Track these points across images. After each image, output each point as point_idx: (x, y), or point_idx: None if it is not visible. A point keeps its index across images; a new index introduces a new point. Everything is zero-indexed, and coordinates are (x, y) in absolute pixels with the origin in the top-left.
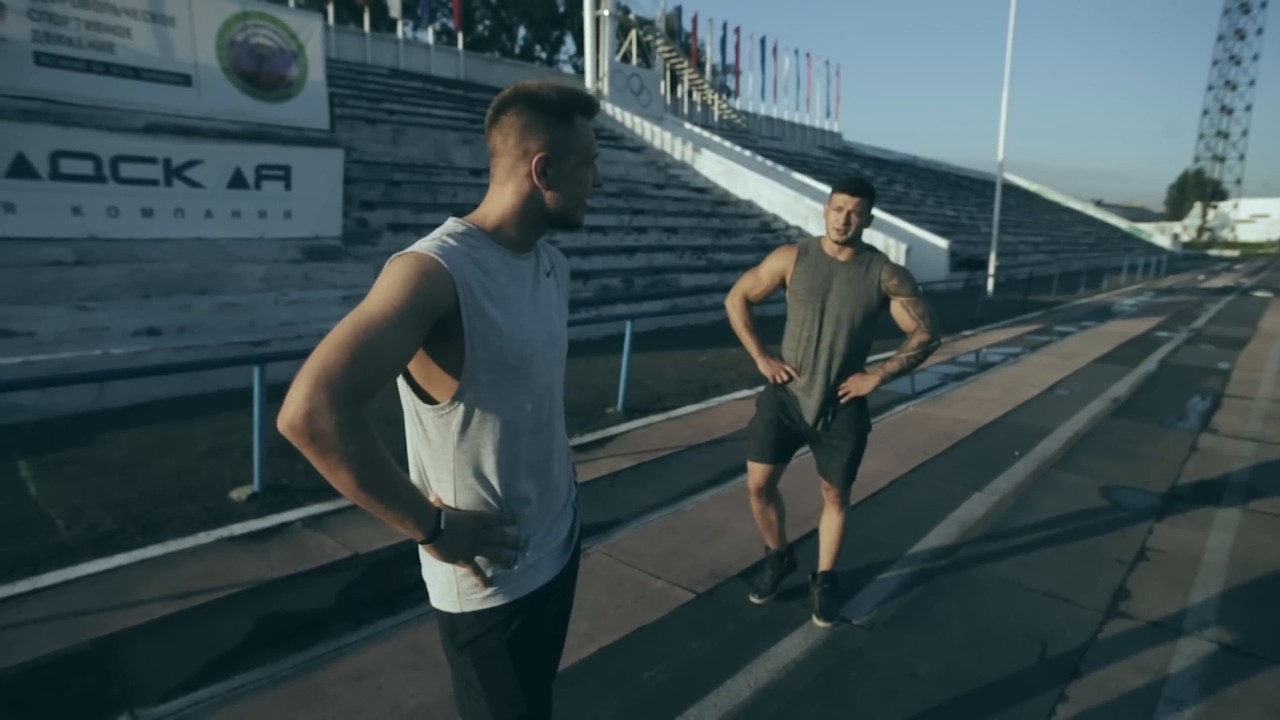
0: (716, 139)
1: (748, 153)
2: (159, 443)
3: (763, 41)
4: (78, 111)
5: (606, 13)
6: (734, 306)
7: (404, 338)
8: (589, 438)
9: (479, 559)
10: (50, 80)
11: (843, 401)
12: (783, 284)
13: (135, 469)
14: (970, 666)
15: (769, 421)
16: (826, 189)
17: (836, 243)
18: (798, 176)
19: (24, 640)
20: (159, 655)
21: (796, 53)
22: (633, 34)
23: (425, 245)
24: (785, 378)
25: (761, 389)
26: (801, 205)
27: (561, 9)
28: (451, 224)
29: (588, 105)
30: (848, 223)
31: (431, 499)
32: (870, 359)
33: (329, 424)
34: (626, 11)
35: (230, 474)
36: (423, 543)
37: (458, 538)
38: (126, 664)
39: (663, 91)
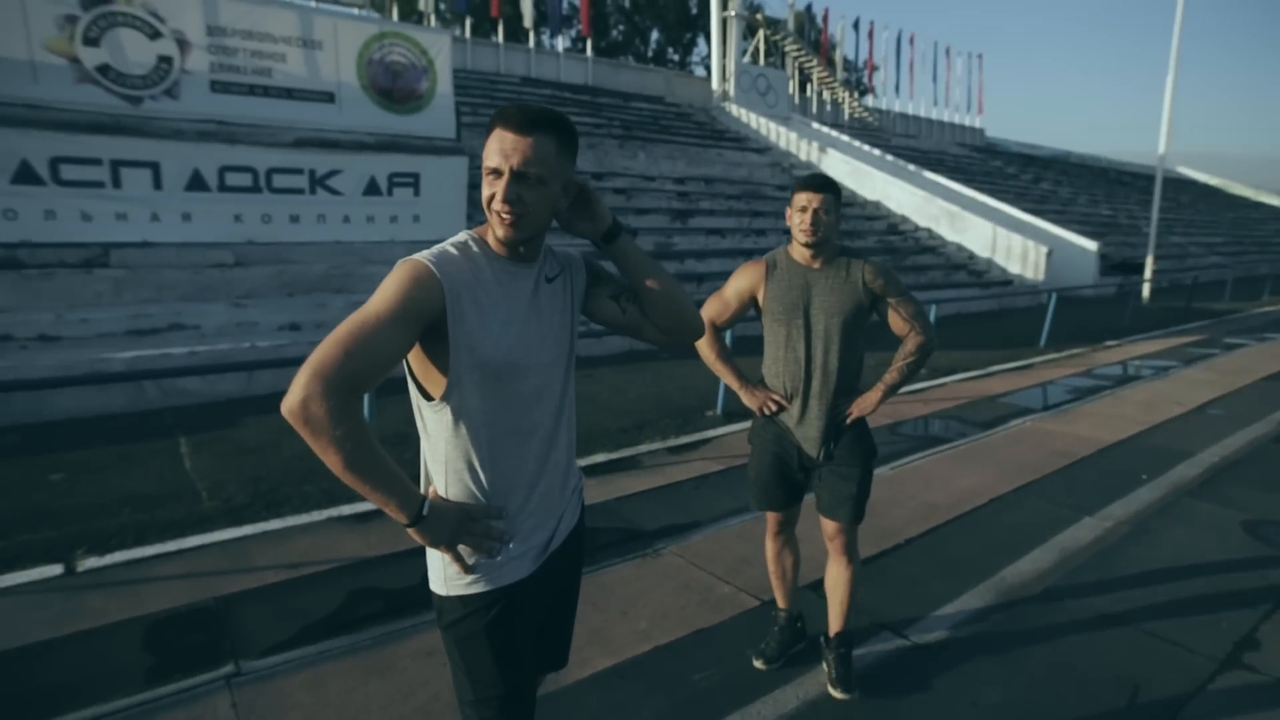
0: (844, 138)
1: (876, 152)
2: (290, 428)
3: (899, 34)
4: (240, 130)
5: (733, 13)
6: (707, 336)
7: (394, 337)
8: (684, 439)
9: (463, 547)
10: (222, 104)
11: (846, 424)
12: (753, 304)
13: (268, 451)
14: (1043, 703)
15: (767, 461)
16: (962, 189)
17: (807, 247)
18: (930, 176)
19: (163, 592)
20: (265, 616)
21: (935, 45)
22: (760, 34)
23: (427, 252)
24: (774, 408)
25: (749, 424)
26: (933, 206)
27: (694, 11)
28: (461, 233)
29: (502, 116)
30: (816, 222)
31: (431, 489)
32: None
33: (321, 410)
34: (755, 11)
35: None
36: (407, 526)
37: (441, 525)
38: (238, 621)
39: (791, 91)
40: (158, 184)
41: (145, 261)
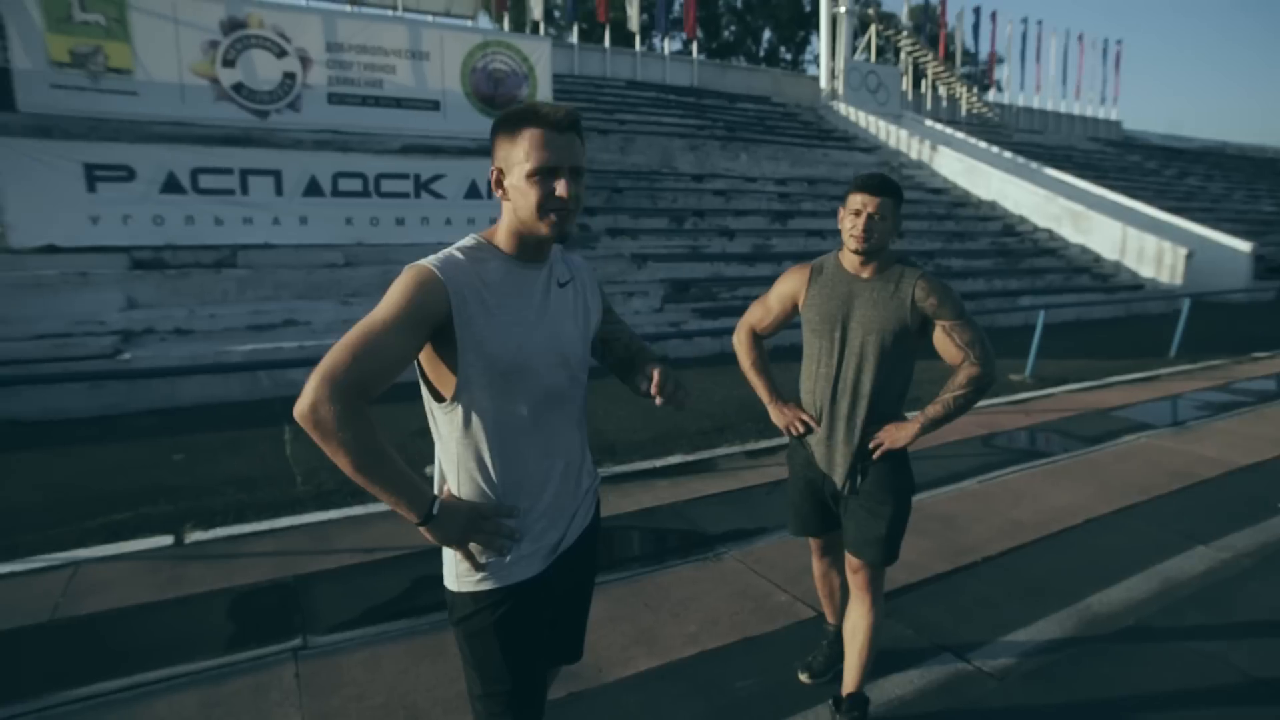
0: (959, 135)
1: (994, 149)
2: (384, 419)
3: (1024, 24)
4: (353, 139)
5: (844, 9)
6: (740, 342)
7: (401, 342)
8: (763, 444)
9: (474, 546)
10: (337, 115)
11: (874, 456)
12: (795, 311)
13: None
14: None
15: (800, 486)
16: (1089, 186)
17: (857, 254)
18: (1051, 173)
19: (252, 567)
20: (335, 596)
21: (1067, 34)
22: (872, 29)
23: (433, 258)
24: (801, 428)
25: (788, 442)
26: (1054, 205)
27: (807, 9)
28: (468, 238)
29: (540, 115)
30: (869, 229)
31: (445, 489)
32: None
33: (329, 414)
34: (867, 6)
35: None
36: (418, 525)
37: (451, 524)
38: (312, 598)
39: (904, 87)
40: (279, 190)
41: (266, 262)
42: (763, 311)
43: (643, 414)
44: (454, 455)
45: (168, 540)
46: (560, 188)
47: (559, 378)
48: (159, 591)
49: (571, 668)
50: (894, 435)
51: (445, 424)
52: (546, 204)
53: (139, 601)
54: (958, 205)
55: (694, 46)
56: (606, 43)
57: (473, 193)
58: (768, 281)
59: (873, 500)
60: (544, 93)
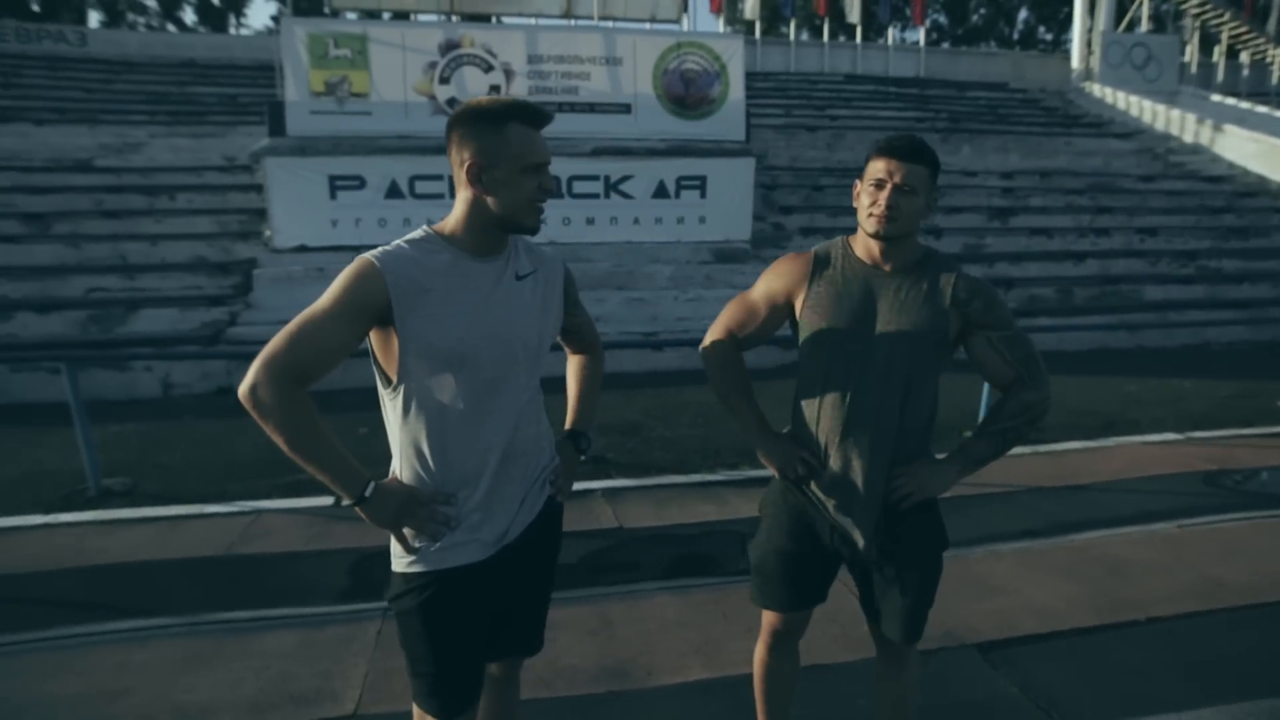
0: (1261, 110)
1: None
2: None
3: None
4: (548, 143)
5: None
6: (712, 354)
7: (338, 330)
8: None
9: (409, 530)
10: None
11: (901, 507)
12: (789, 316)
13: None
14: None
15: (779, 545)
16: None
17: (876, 238)
18: None
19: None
20: None
21: None
22: None
23: (377, 250)
24: (802, 471)
25: (768, 486)
26: None
27: None
28: (417, 230)
29: (526, 113)
30: (894, 204)
31: (391, 473)
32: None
33: (266, 395)
34: None
35: None
36: (352, 505)
37: (384, 507)
38: None
39: (1187, 57)
40: None
41: None
42: (745, 314)
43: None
44: (397, 440)
45: (328, 501)
46: (548, 181)
47: (503, 369)
48: (306, 543)
49: (621, 667)
50: (925, 481)
51: (390, 409)
52: (537, 196)
53: (289, 550)
54: (1243, 195)
55: (921, 35)
56: (825, 37)
57: (660, 192)
58: None
59: (900, 564)
60: (736, 91)
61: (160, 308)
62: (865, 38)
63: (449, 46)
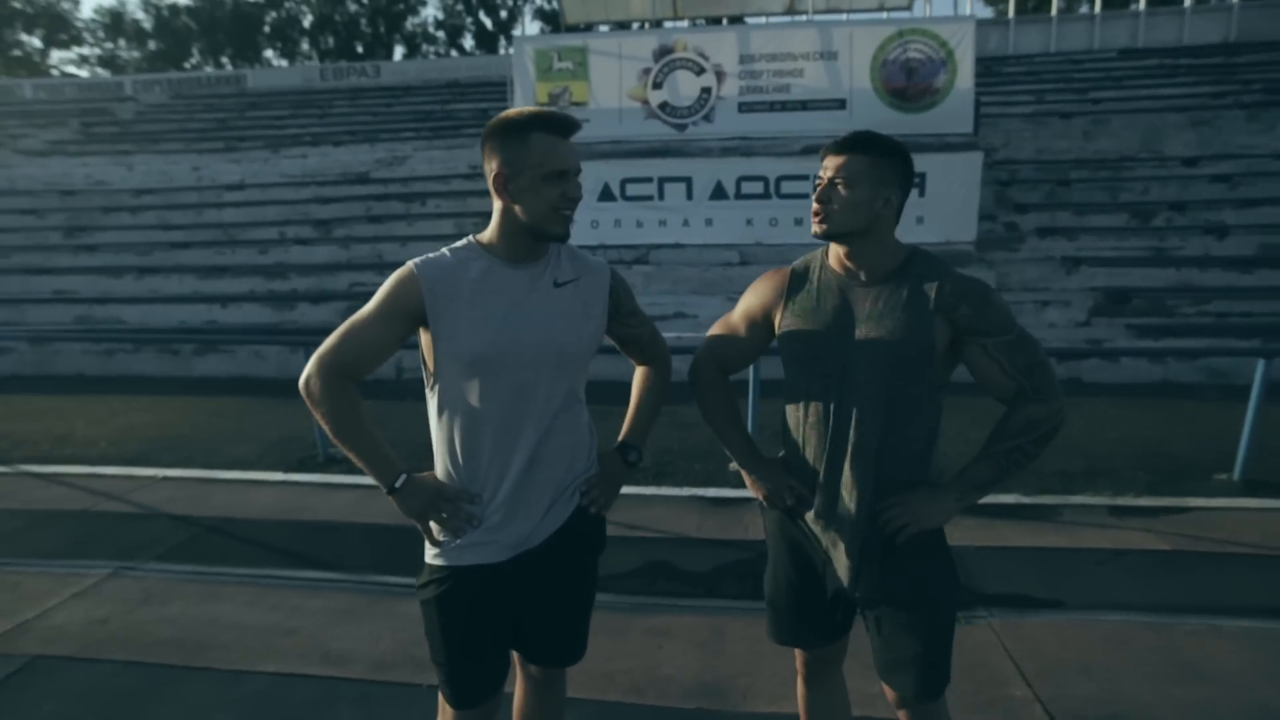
0: None
1: None
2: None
3: None
4: (757, 144)
5: None
6: (696, 377)
7: (380, 331)
8: (1144, 501)
9: (435, 523)
10: (746, 123)
11: (897, 540)
12: (771, 335)
13: (693, 429)
14: None
15: (784, 577)
16: None
17: (822, 236)
18: None
19: None
20: None
21: None
22: None
23: (420, 257)
24: (790, 501)
25: (766, 515)
26: None
27: None
28: (462, 240)
29: (550, 122)
30: (824, 201)
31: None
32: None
33: (316, 387)
34: None
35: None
36: (386, 494)
37: (413, 499)
38: None
39: None
40: (689, 195)
41: (670, 259)
42: (726, 336)
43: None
44: (434, 435)
45: None
46: (573, 189)
47: (533, 375)
48: None
49: (719, 685)
50: (919, 511)
51: (430, 406)
52: (561, 204)
53: None
54: None
55: None
56: (1097, 8)
57: None
58: (1263, 295)
59: (899, 606)
60: (964, 79)
61: None
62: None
63: (663, 52)
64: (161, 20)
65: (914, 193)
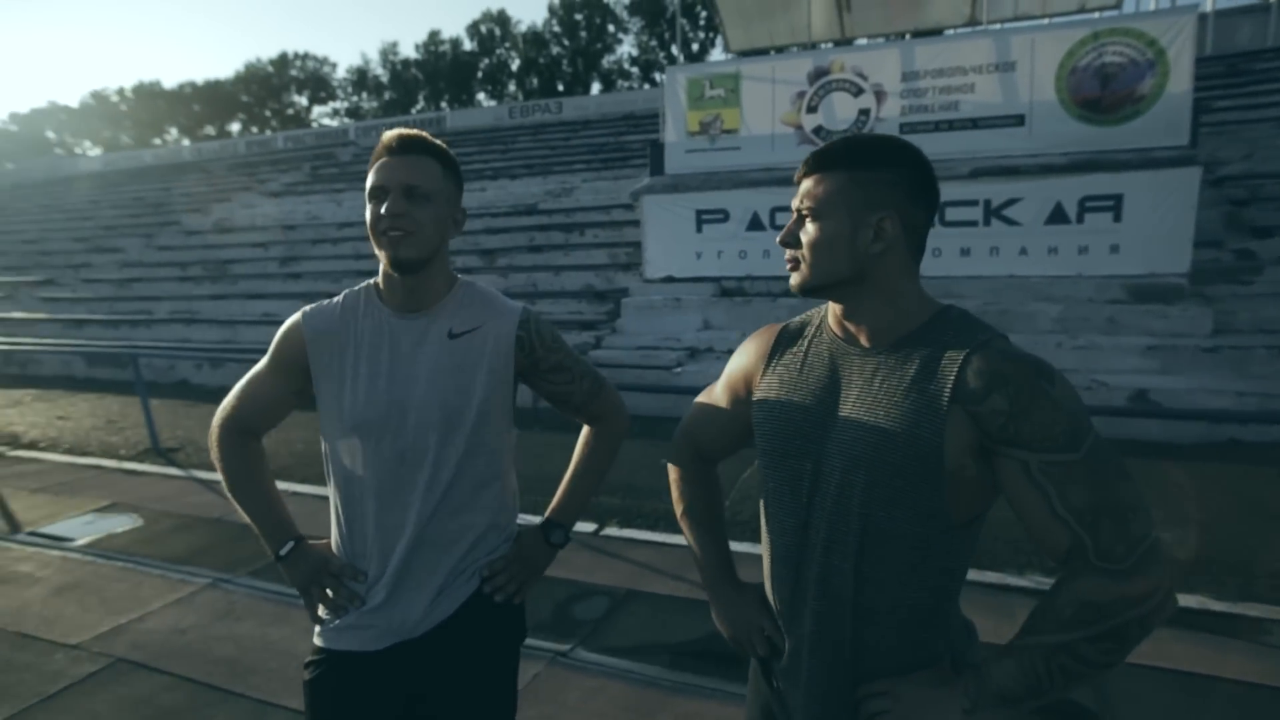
0: None
1: None
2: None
3: None
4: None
5: None
6: (672, 465)
7: (270, 384)
8: (1226, 607)
9: (321, 597)
10: None
11: None
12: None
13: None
14: None
15: None
16: None
17: (797, 291)
18: None
19: (612, 569)
20: (631, 619)
21: None
22: None
23: (312, 305)
24: (762, 650)
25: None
26: None
27: None
28: (367, 281)
29: (388, 139)
30: (792, 240)
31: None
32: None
33: (213, 443)
34: None
35: None
36: (275, 561)
37: (295, 569)
38: (618, 616)
39: None
40: None
41: None
42: (705, 412)
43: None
44: (330, 500)
45: (592, 527)
46: (393, 204)
47: (421, 440)
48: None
49: None
50: (907, 711)
51: (325, 467)
52: (378, 223)
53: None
54: None
55: None
56: None
57: (1057, 216)
58: None
59: None
60: (1179, 81)
61: None
62: None
63: (818, 74)
64: (395, 73)
65: (1107, 218)
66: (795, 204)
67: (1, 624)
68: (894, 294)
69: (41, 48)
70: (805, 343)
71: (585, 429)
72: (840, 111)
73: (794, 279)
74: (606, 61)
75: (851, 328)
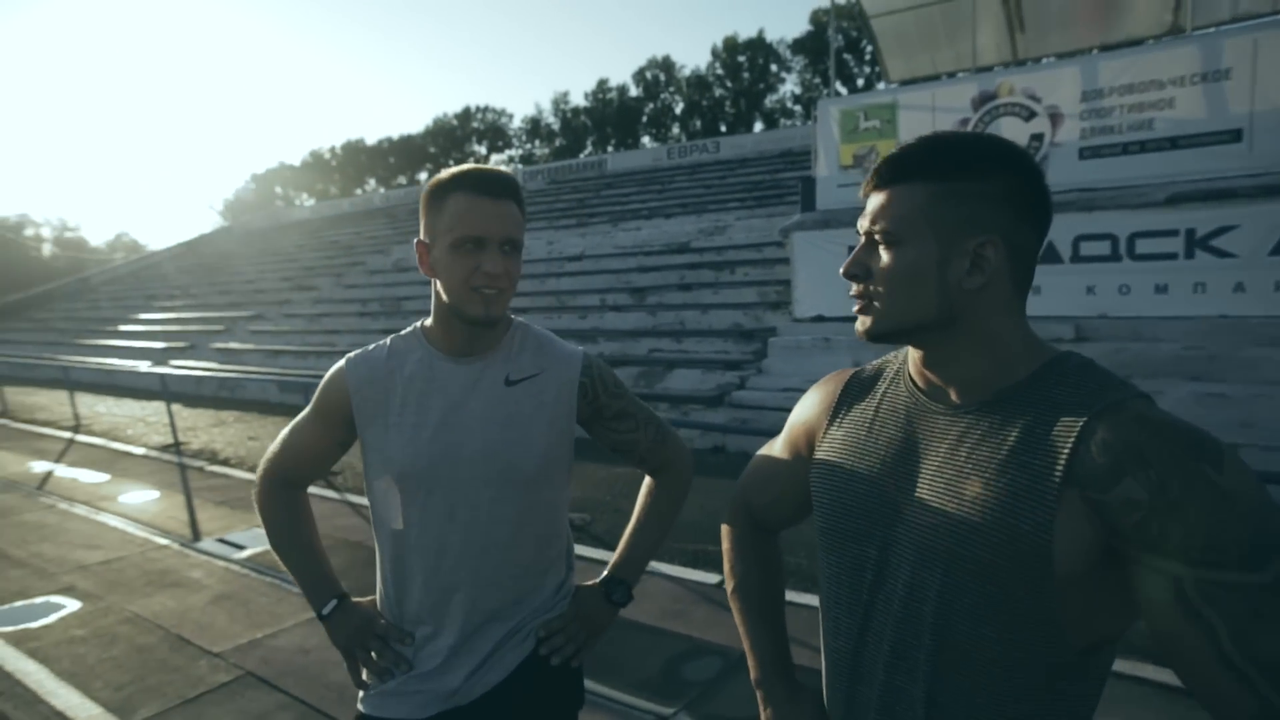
0: None
1: None
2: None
3: None
4: (1101, 195)
5: None
6: (726, 534)
7: (314, 435)
8: None
9: (365, 660)
10: (1087, 171)
11: None
12: None
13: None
14: None
15: None
16: None
17: (866, 337)
18: None
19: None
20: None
21: None
22: None
23: (358, 350)
24: None
25: None
26: None
27: None
28: (413, 324)
29: (476, 180)
30: (861, 273)
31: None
32: None
33: (257, 497)
34: None
35: None
36: (319, 620)
37: (338, 629)
38: (736, 681)
39: None
40: None
41: None
42: (763, 472)
43: None
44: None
45: (715, 579)
46: (490, 262)
47: (470, 494)
48: (659, 616)
49: None
50: None
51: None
52: (474, 280)
53: (634, 618)
54: None
55: None
56: None
57: None
58: None
59: None
60: None
61: (690, 369)
62: None
63: (983, 99)
64: (565, 121)
65: None
66: (864, 225)
67: (167, 624)
68: (993, 339)
69: (273, 116)
70: (878, 395)
71: (648, 479)
72: (1010, 137)
73: (862, 322)
74: (769, 101)
75: (936, 379)
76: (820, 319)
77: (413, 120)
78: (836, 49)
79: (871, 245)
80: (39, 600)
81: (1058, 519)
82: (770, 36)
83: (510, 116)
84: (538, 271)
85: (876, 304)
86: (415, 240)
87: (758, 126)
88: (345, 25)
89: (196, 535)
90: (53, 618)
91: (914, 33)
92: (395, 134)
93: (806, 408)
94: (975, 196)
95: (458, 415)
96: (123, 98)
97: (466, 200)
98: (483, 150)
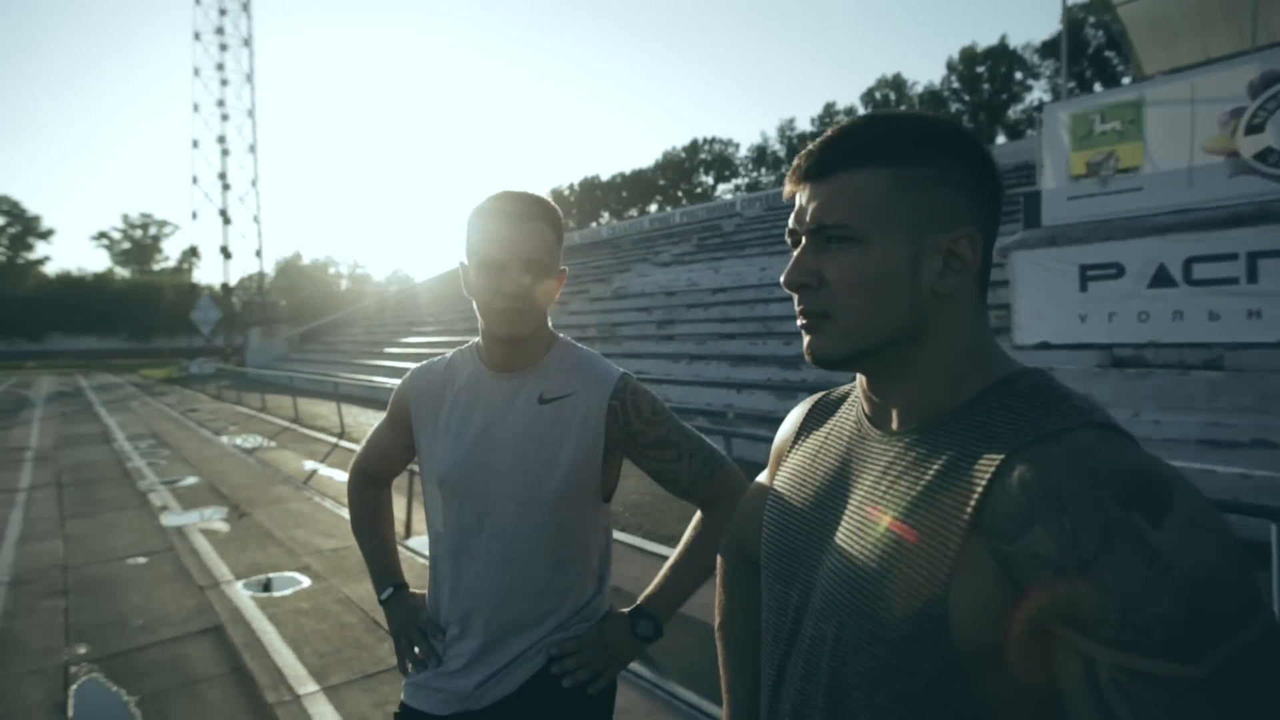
0: None
1: None
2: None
3: None
4: None
5: None
6: (721, 565)
7: (388, 436)
8: None
9: (406, 649)
10: None
11: None
12: None
13: None
14: None
15: None
16: None
17: (815, 362)
18: None
19: None
20: None
21: None
22: None
23: (425, 361)
24: None
25: None
26: None
27: None
28: (471, 341)
29: (496, 205)
30: (806, 282)
31: None
32: None
33: (348, 486)
34: None
35: None
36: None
37: (393, 615)
38: None
39: None
40: None
41: (1257, 365)
42: (750, 501)
43: None
44: None
45: None
46: (508, 283)
47: (499, 506)
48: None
49: None
50: None
51: None
52: (495, 300)
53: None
54: None
55: None
56: None
57: None
58: None
59: None
60: None
61: None
62: None
63: (1265, 83)
64: (791, 147)
65: None
66: (804, 223)
67: (367, 608)
68: (956, 352)
69: (518, 159)
70: (835, 419)
71: (698, 513)
72: None
73: (812, 341)
74: (1014, 111)
75: (880, 400)
76: (1045, 346)
77: (644, 155)
78: (1097, 46)
79: (818, 247)
80: (286, 574)
81: (958, 573)
82: (1014, 42)
83: (736, 146)
84: (747, 298)
85: (835, 319)
86: (459, 262)
87: (1000, 139)
88: (580, 71)
89: (408, 533)
90: (289, 590)
91: (1176, 14)
92: (627, 169)
93: (780, 433)
94: (943, 183)
95: (495, 429)
96: (400, 151)
97: (488, 223)
98: (709, 180)
